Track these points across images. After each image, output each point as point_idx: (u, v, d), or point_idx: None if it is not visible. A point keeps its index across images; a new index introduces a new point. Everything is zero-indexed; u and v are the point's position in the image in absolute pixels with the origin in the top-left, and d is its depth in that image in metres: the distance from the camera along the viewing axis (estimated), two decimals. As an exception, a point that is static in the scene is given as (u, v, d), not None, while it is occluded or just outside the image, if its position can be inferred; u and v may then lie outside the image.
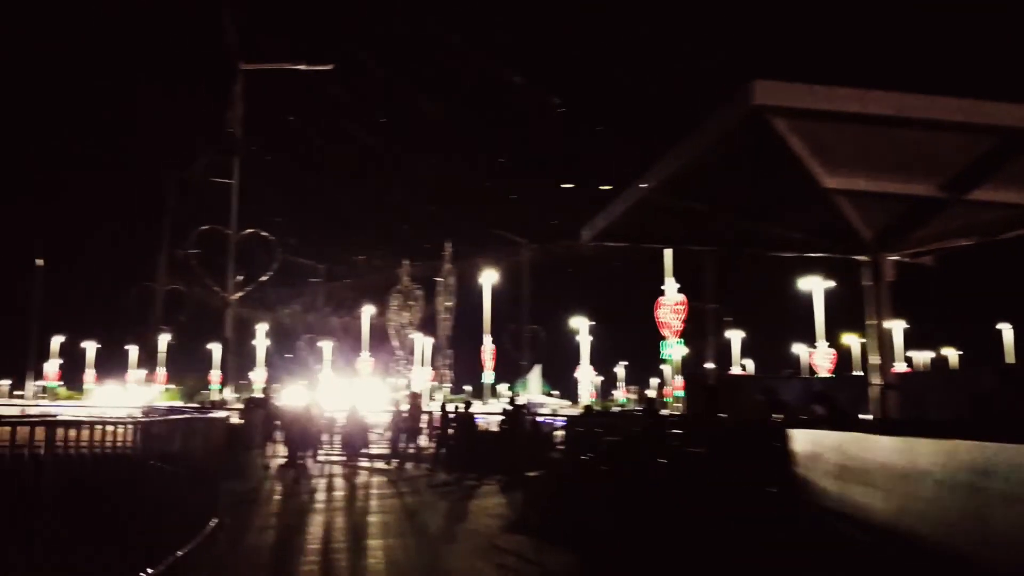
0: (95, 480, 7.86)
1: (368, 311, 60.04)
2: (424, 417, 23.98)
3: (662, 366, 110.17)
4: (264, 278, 14.66)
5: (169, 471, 9.71)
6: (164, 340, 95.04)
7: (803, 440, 8.67)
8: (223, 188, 18.92)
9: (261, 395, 22.11)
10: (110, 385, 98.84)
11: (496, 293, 50.81)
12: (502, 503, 14.99)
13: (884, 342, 10.95)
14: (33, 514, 6.32)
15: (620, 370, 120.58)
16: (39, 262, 34.18)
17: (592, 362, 77.81)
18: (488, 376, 53.62)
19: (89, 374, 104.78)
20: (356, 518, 13.44)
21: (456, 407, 22.64)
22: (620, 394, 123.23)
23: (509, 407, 22.05)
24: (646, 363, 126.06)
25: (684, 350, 41.61)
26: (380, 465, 21.87)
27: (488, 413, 28.67)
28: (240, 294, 13.56)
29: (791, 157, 9.06)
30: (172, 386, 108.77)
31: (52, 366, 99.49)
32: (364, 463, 21.76)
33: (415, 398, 23.51)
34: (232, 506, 12.97)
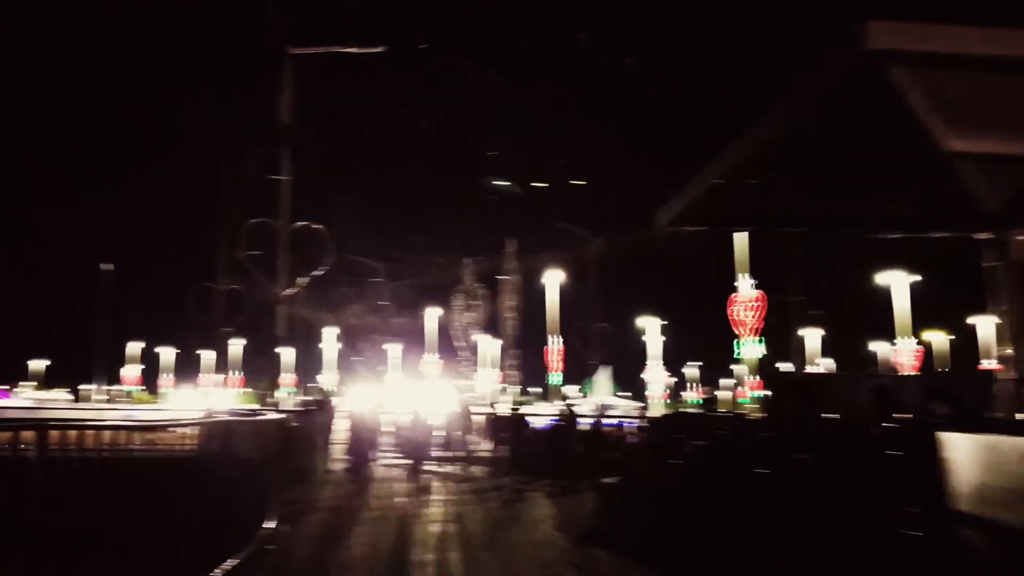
0: (135, 484, 7.28)
1: (433, 312, 59.70)
2: (478, 419, 23.17)
3: (734, 366, 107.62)
4: (318, 272, 13.77)
5: (217, 475, 9.02)
6: (238, 344, 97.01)
7: (969, 446, 7.09)
8: (278, 184, 18.35)
9: (320, 397, 21.41)
10: (185, 389, 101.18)
11: (562, 290, 49.75)
12: (574, 512, 13.92)
13: (1019, 330, 9.50)
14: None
15: (691, 370, 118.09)
16: (106, 267, 34.45)
17: (664, 362, 76.10)
18: (555, 377, 52.54)
19: (166, 378, 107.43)
20: (416, 527, 12.54)
21: (514, 409, 21.97)
22: (692, 395, 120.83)
23: (564, 409, 20.95)
24: (720, 363, 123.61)
25: (760, 349, 39.69)
26: (443, 469, 21.05)
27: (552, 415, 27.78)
28: (293, 290, 12.77)
29: (908, 115, 7.74)
30: (247, 389, 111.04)
31: (131, 371, 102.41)
32: (428, 467, 20.98)
33: (465, 403, 22.82)
34: (289, 513, 12.20)
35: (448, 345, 45.43)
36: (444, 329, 57.42)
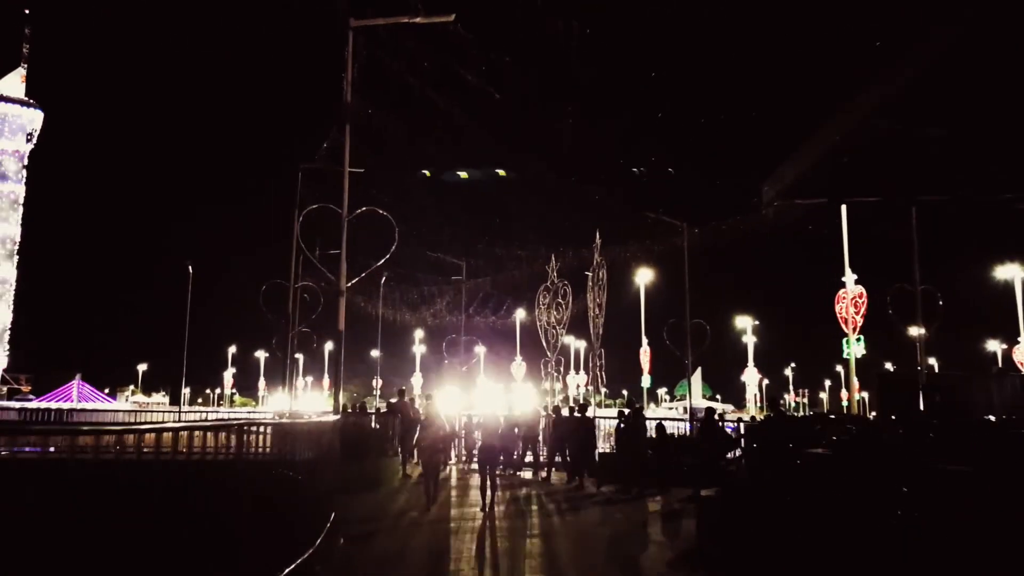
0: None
1: (519, 312, 58.50)
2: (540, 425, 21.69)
3: (839, 367, 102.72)
4: (381, 262, 12.79)
5: (279, 479, 8.07)
6: (328, 346, 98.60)
7: None
8: (355, 177, 17.50)
9: (396, 399, 20.29)
10: (279, 392, 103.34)
11: (651, 286, 47.87)
12: (671, 527, 12.46)
13: None
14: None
15: (789, 372, 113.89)
16: (190, 269, 34.74)
17: (757, 363, 73.22)
18: (646, 379, 50.66)
19: (260, 381, 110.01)
20: (493, 543, 11.29)
21: (621, 412, 20.30)
22: (790, 398, 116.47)
23: (626, 411, 19.14)
24: (817, 364, 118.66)
25: (862, 348, 36.91)
26: (524, 476, 19.78)
27: (654, 418, 26.06)
28: (354, 281, 11.78)
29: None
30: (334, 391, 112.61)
31: (228, 375, 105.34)
32: (509, 474, 19.78)
33: (545, 408, 21.27)
34: (348, 522, 11.11)
35: (534, 345, 44.09)
36: (533, 328, 56.49)
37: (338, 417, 12.84)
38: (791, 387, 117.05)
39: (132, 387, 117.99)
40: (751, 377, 73.96)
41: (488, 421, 15.36)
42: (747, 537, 9.18)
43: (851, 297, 32.35)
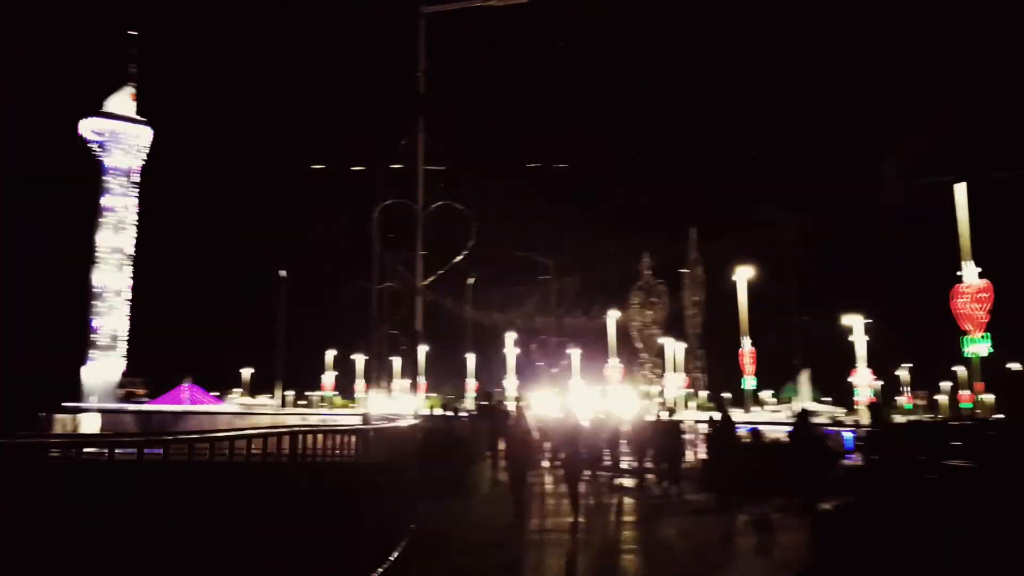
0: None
1: (612, 313, 57.06)
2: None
3: (955, 367, 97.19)
4: (458, 258, 11.91)
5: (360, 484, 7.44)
6: (423, 349, 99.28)
7: None
8: (438, 176, 16.89)
9: (485, 402, 19.44)
10: (376, 394, 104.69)
11: (752, 283, 45.75)
12: (787, 546, 11.16)
13: None
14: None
15: (903, 372, 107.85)
16: (282, 273, 34.93)
17: (869, 363, 69.33)
18: (748, 381, 48.59)
19: (359, 384, 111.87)
20: (584, 559, 10.31)
21: (711, 417, 18.77)
22: (903, 400, 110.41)
23: (717, 416, 17.36)
24: (935, 364, 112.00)
25: (986, 347, 33.98)
26: (620, 483, 18.71)
27: (758, 423, 24.11)
28: (431, 279, 11.04)
29: None
30: (433, 395, 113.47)
31: (328, 377, 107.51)
32: (602, 481, 18.72)
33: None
34: (430, 532, 10.31)
35: (630, 347, 42.56)
36: (619, 328, 54.45)
37: (416, 421, 12.01)
38: (906, 389, 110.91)
39: (239, 390, 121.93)
40: (862, 379, 70.29)
41: (565, 426, 14.12)
42: (876, 560, 7.91)
43: (973, 292, 29.86)
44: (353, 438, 8.19)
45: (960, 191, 27.93)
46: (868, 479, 10.11)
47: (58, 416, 22.64)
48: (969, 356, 30.47)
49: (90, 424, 25.14)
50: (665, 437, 16.99)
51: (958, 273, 30.56)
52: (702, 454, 19.67)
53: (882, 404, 17.60)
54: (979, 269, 30.56)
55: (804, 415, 16.22)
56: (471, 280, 34.59)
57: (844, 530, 8.83)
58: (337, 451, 7.91)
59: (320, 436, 7.25)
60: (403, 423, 11.19)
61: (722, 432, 16.24)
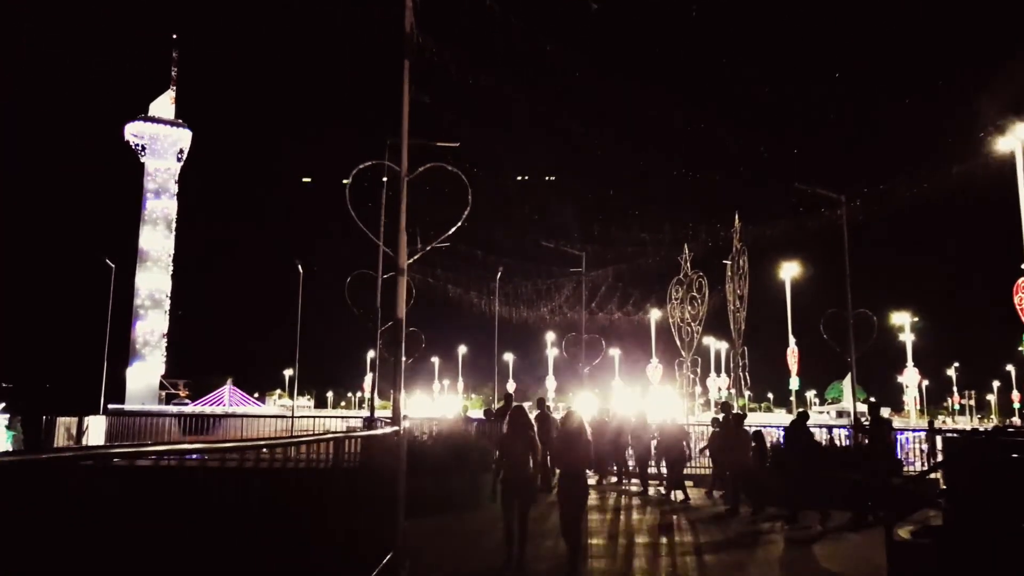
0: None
1: (653, 312, 55.55)
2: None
3: (1009, 366, 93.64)
4: (452, 231, 10.05)
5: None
6: (462, 350, 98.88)
7: None
8: (455, 153, 15.71)
9: (502, 403, 18.00)
10: (417, 395, 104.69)
11: (797, 279, 43.96)
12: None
13: None
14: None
15: (951, 372, 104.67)
16: (300, 268, 34.36)
17: (916, 362, 67.14)
18: (794, 381, 46.88)
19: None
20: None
21: (714, 419, 17.47)
22: (952, 400, 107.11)
23: (796, 419, 15.34)
24: (985, 363, 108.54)
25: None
26: (655, 492, 17.27)
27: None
28: (416, 257, 9.55)
29: None
30: (473, 396, 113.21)
31: (368, 379, 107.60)
32: (637, 489, 17.52)
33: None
34: (414, 559, 9.15)
35: (671, 346, 41.03)
36: (660, 327, 52.52)
37: (395, 428, 10.55)
38: (954, 388, 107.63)
39: (279, 391, 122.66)
40: (911, 378, 67.98)
41: (567, 429, 11.70)
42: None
43: (1039, 285, 28.04)
44: (326, 445, 7.26)
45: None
46: (952, 497, 8.60)
47: (61, 419, 22.31)
48: (1031, 354, 28.64)
49: (97, 428, 24.47)
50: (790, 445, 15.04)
51: (1022, 266, 28.72)
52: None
53: (879, 403, 15.99)
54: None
55: (876, 414, 14.70)
56: (499, 273, 33.23)
57: (939, 566, 7.31)
58: (313, 460, 7.16)
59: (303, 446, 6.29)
60: (388, 429, 10.04)
61: (797, 436, 14.68)
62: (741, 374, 22.90)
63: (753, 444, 15.10)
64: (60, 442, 22.34)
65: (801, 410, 16.41)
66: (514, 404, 16.40)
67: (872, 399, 15.81)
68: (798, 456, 13.95)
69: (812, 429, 15.15)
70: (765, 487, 14.29)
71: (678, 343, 26.11)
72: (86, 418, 24.74)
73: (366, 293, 18.11)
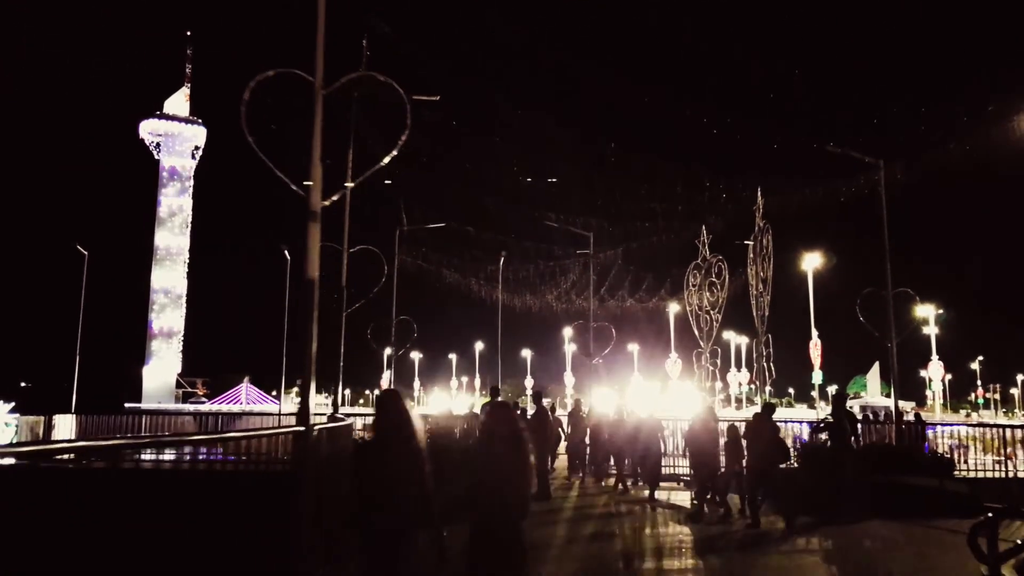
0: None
1: (672, 306, 54.33)
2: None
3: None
4: (387, 159, 7.99)
5: None
6: (479, 346, 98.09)
7: None
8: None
9: (491, 398, 16.10)
10: (437, 392, 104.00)
11: (819, 269, 42.65)
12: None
13: None
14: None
15: (975, 365, 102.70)
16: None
17: (940, 356, 65.72)
18: (817, 375, 45.68)
19: (415, 382, 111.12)
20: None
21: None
22: (976, 394, 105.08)
23: (761, 411, 13.64)
24: (1010, 356, 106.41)
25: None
26: (670, 498, 15.45)
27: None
28: (334, 198, 7.59)
29: None
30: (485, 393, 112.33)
31: (385, 376, 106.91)
32: (630, 497, 15.93)
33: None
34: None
35: (691, 341, 39.60)
36: (679, 321, 51.05)
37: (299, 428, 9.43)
38: (978, 382, 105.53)
39: (296, 389, 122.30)
40: (935, 372, 66.50)
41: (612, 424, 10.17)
42: None
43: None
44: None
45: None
46: None
47: (26, 418, 22.00)
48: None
49: (64, 427, 23.81)
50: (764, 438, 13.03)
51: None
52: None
53: (845, 394, 14.30)
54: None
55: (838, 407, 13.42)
56: (501, 258, 31.71)
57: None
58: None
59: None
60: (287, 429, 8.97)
61: (838, 432, 13.36)
62: (765, 364, 21.46)
63: (724, 440, 13.66)
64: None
65: (769, 402, 14.88)
66: (497, 401, 14.54)
67: (837, 389, 14.49)
68: (760, 453, 12.53)
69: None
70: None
71: (696, 333, 24.85)
72: (55, 417, 24.24)
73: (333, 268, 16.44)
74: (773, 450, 12.53)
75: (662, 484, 16.27)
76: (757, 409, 13.90)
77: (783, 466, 13.16)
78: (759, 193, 21.93)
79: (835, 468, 13.01)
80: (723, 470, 13.41)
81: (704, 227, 24.86)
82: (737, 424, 14.59)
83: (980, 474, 15.45)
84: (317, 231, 8.03)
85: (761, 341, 21.43)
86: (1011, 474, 14.78)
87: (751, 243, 21.73)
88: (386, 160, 8.52)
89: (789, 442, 15.53)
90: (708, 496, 13.36)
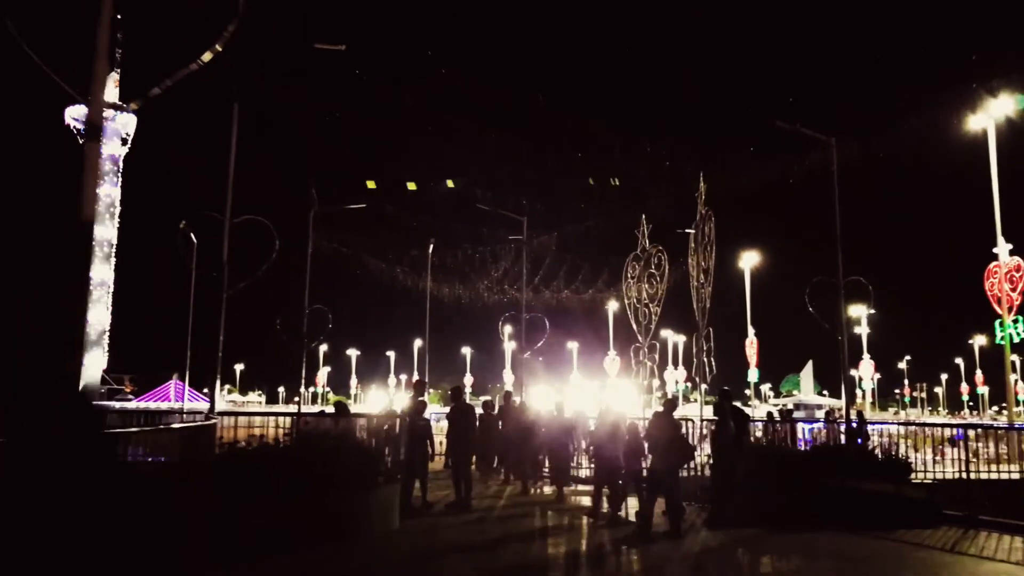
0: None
1: (611, 304, 54.09)
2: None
3: (958, 358, 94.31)
4: (206, 57, 7.42)
5: None
6: (417, 343, 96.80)
7: None
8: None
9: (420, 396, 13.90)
10: (374, 390, 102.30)
11: (755, 268, 42.90)
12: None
13: None
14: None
15: (902, 365, 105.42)
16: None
17: (871, 355, 67.18)
18: (752, 373, 46.04)
19: (352, 379, 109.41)
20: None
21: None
22: (903, 392, 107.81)
23: (664, 407, 12.65)
24: (934, 355, 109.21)
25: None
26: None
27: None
28: (136, 105, 6.74)
29: None
30: (432, 391, 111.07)
31: (322, 373, 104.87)
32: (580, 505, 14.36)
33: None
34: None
35: (629, 337, 39.00)
36: (618, 318, 50.79)
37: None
38: (905, 381, 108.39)
39: (228, 386, 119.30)
40: (866, 371, 67.96)
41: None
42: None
43: (1010, 270, 27.21)
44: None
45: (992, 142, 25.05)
46: None
47: None
48: (1000, 342, 27.82)
49: None
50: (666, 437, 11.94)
51: (994, 251, 27.94)
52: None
53: (730, 392, 13.06)
54: (1009, 246, 28.01)
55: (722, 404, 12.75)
56: (430, 247, 30.27)
57: None
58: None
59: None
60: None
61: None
62: (705, 360, 20.64)
63: (627, 438, 12.67)
64: None
65: (669, 398, 14.14)
66: (417, 400, 13.51)
67: (725, 388, 13.66)
68: (662, 452, 11.72)
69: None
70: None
71: (634, 326, 24.15)
72: None
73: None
74: (675, 450, 11.75)
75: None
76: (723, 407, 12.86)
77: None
78: (701, 178, 21.24)
79: (725, 469, 12.33)
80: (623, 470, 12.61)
81: (644, 216, 24.04)
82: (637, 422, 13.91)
83: (931, 476, 14.22)
84: (97, 152, 6.60)
85: (702, 335, 20.68)
86: (964, 475, 13.69)
87: (692, 231, 21.05)
88: (207, 56, 7.32)
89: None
90: (606, 497, 12.67)
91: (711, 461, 12.94)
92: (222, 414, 13.65)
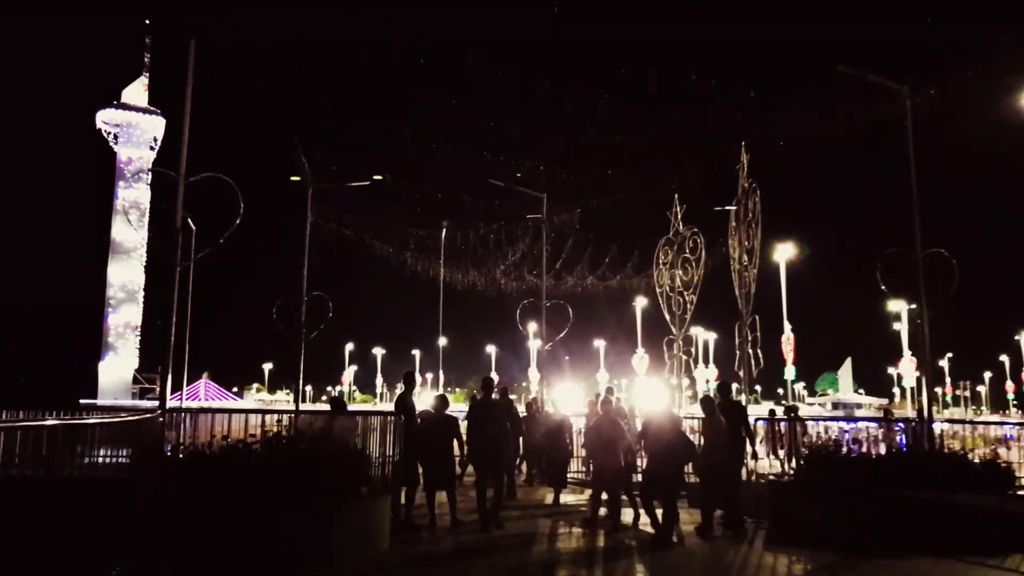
0: None
1: (640, 300, 52.55)
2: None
3: (1003, 356, 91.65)
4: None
5: None
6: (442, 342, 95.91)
7: None
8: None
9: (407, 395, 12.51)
10: (400, 389, 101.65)
11: (791, 261, 41.14)
12: None
13: None
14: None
15: (943, 363, 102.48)
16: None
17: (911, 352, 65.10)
18: (789, 371, 44.33)
19: (377, 378, 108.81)
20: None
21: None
22: (945, 391, 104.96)
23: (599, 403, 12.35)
24: (977, 353, 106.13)
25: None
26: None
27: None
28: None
29: None
30: (457, 389, 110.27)
31: (348, 372, 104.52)
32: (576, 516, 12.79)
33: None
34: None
35: (658, 334, 37.31)
36: (646, 314, 49.11)
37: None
38: (947, 379, 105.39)
39: (257, 385, 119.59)
40: (907, 368, 65.75)
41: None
42: None
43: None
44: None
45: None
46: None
47: None
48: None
49: None
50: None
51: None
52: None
53: (729, 385, 11.41)
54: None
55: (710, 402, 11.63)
56: (443, 229, 28.70)
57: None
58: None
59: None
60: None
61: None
62: (750, 351, 18.74)
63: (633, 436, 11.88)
64: None
65: (704, 395, 13.07)
66: (436, 397, 12.30)
67: (724, 381, 12.36)
68: (659, 454, 10.91)
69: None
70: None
71: (667, 317, 22.59)
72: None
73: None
74: (677, 450, 10.81)
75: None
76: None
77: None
78: (743, 149, 19.50)
79: (721, 471, 11.23)
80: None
81: (676, 196, 22.32)
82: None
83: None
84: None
85: (746, 323, 18.82)
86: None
87: (733, 207, 19.21)
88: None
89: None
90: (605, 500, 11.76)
91: (706, 461, 11.54)
92: (185, 411, 12.02)
